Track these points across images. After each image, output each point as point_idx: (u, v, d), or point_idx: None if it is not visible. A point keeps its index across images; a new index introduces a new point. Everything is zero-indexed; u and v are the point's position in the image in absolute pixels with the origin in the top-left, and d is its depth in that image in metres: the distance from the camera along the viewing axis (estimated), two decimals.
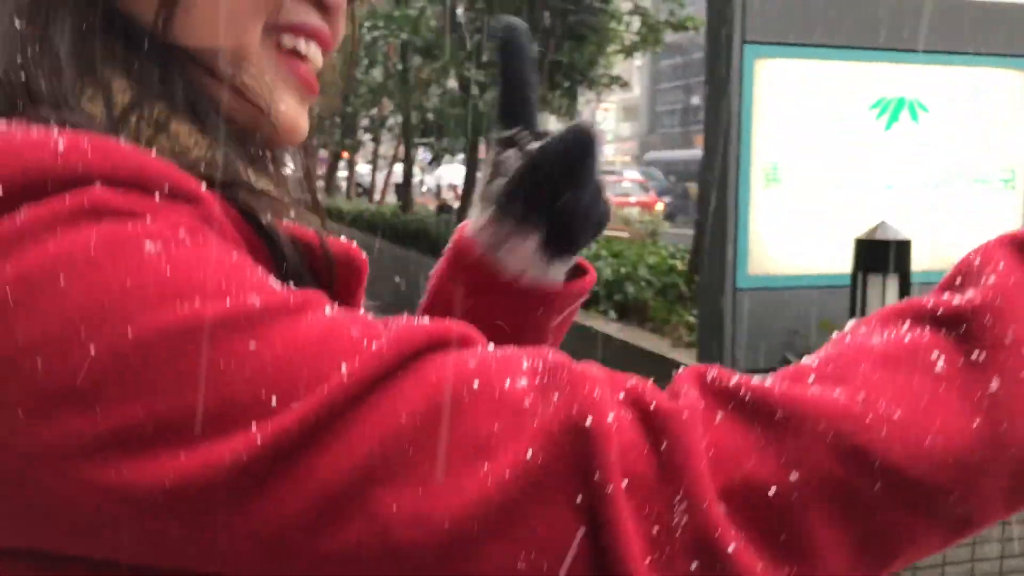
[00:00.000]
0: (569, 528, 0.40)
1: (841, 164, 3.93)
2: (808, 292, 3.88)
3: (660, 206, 21.46)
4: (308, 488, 0.39)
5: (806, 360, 0.48)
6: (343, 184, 23.34)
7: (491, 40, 0.50)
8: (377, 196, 20.60)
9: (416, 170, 15.82)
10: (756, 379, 0.45)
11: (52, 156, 0.43)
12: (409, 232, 10.33)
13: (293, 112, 0.57)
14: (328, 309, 0.44)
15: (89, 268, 0.40)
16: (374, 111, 15.77)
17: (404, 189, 14.89)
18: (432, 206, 16.35)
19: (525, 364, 0.44)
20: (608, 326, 5.03)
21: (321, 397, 0.40)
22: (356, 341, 0.42)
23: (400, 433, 0.40)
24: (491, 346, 0.46)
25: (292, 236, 0.51)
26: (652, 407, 0.43)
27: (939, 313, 0.47)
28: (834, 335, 0.50)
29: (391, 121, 15.13)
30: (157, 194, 0.44)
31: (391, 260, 10.36)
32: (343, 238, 0.56)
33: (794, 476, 0.41)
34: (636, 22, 8.47)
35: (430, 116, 11.06)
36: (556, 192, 0.65)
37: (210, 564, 0.41)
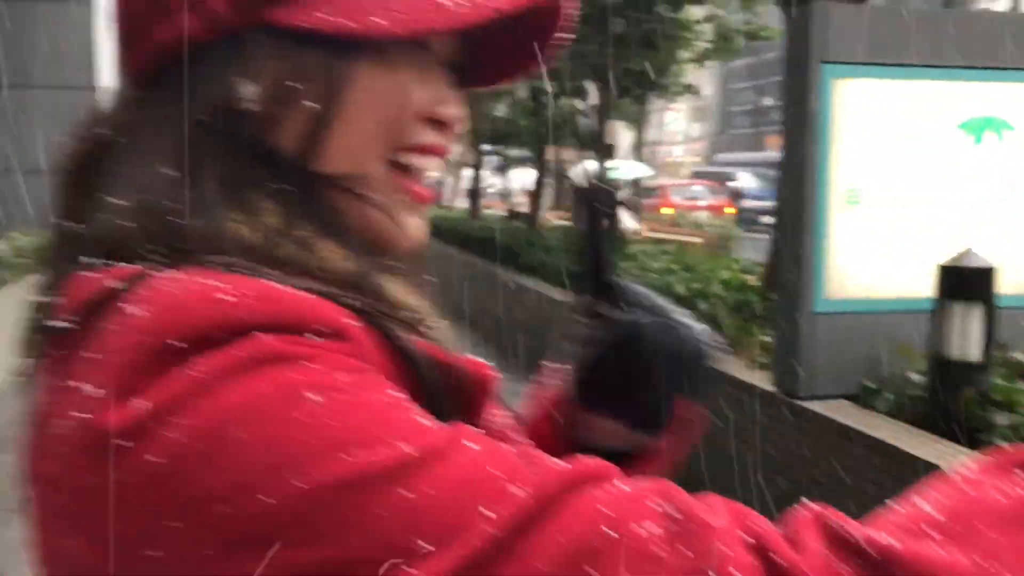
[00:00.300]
0: None
1: (923, 186, 3.84)
2: (887, 317, 3.80)
3: (731, 210, 21.17)
4: None
5: (917, 503, 0.49)
6: None
7: (579, 202, 0.52)
8: (447, 201, 20.74)
9: (485, 174, 15.89)
10: (875, 531, 0.47)
11: (215, 308, 0.46)
12: (476, 239, 10.38)
13: (409, 225, 0.61)
14: (472, 444, 0.47)
15: (259, 422, 0.44)
16: None
17: (473, 195, 14.97)
18: (500, 210, 16.41)
19: (656, 507, 0.46)
20: None
21: (468, 546, 0.43)
22: (500, 486, 0.45)
23: None
24: (622, 484, 0.48)
25: (427, 353, 0.54)
26: (777, 559, 0.44)
27: None
28: (940, 476, 0.51)
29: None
30: (317, 336, 0.47)
31: (460, 267, 10.43)
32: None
33: None
34: (709, 30, 8.38)
35: (501, 123, 11.11)
36: (631, 382, 0.69)
37: None
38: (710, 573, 0.43)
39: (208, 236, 0.51)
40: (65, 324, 0.50)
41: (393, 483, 0.43)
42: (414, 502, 0.43)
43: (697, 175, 29.25)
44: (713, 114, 55.15)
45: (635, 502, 0.46)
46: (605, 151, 8.64)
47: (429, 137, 0.61)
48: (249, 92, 0.54)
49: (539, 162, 11.32)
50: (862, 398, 3.74)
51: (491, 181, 19.90)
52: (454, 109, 0.62)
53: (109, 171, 0.56)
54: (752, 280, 5.67)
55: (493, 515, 0.43)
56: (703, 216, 20.00)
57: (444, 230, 12.40)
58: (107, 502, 0.45)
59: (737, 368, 4.39)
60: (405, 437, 0.45)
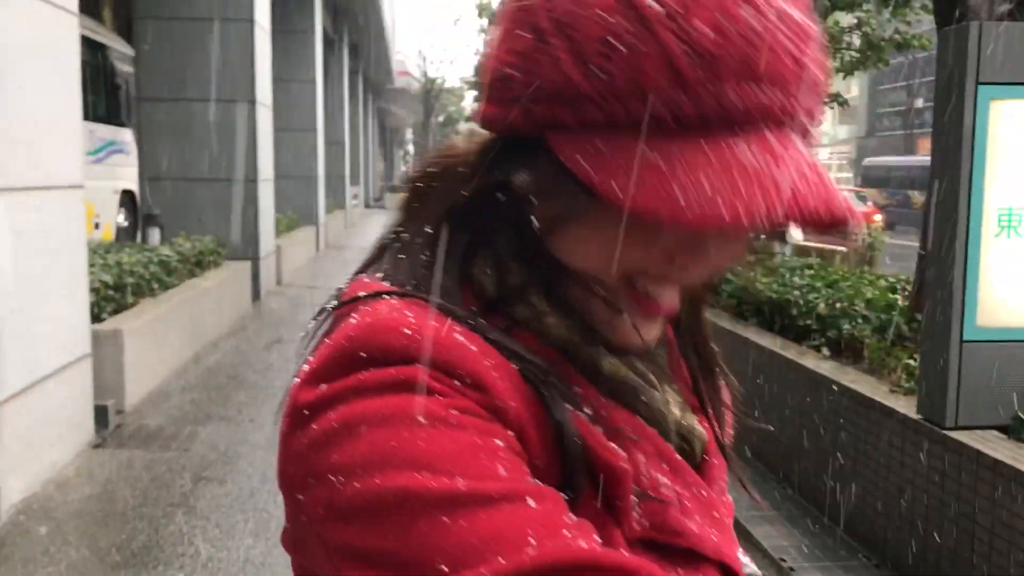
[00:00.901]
0: None
1: None
2: None
3: (879, 218, 20.38)
4: None
5: None
6: None
7: None
8: None
9: None
10: None
11: (399, 337, 0.59)
12: None
13: (627, 327, 0.66)
14: (532, 503, 0.54)
15: (377, 426, 0.56)
16: None
17: None
18: None
19: None
20: (821, 365, 4.90)
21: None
22: (524, 542, 0.52)
23: None
24: None
25: (576, 430, 0.61)
26: None
27: None
28: None
29: None
30: (458, 381, 0.57)
31: None
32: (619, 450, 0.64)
33: None
34: (857, 39, 8.13)
35: None
36: None
37: None
38: None
39: (447, 283, 0.64)
40: (325, 313, 0.67)
41: (437, 508, 0.53)
42: (446, 528, 0.52)
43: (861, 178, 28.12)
44: (861, 116, 53.13)
45: None
46: None
47: (670, 272, 0.64)
48: (523, 180, 0.64)
49: None
50: (1014, 430, 3.61)
51: None
52: (710, 259, 0.64)
53: (409, 208, 0.70)
54: (900, 300, 5.50)
55: (504, 563, 0.51)
56: None
57: None
58: (290, 457, 0.60)
59: (879, 392, 4.30)
60: (468, 475, 0.54)
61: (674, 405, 0.71)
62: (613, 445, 0.63)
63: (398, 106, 47.49)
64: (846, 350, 5.08)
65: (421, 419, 0.55)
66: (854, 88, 44.74)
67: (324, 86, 18.60)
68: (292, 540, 0.64)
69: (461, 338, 0.59)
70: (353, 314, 0.62)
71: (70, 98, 5.29)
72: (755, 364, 5.44)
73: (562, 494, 0.58)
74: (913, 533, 3.85)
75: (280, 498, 0.64)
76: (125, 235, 11.39)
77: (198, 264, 8.97)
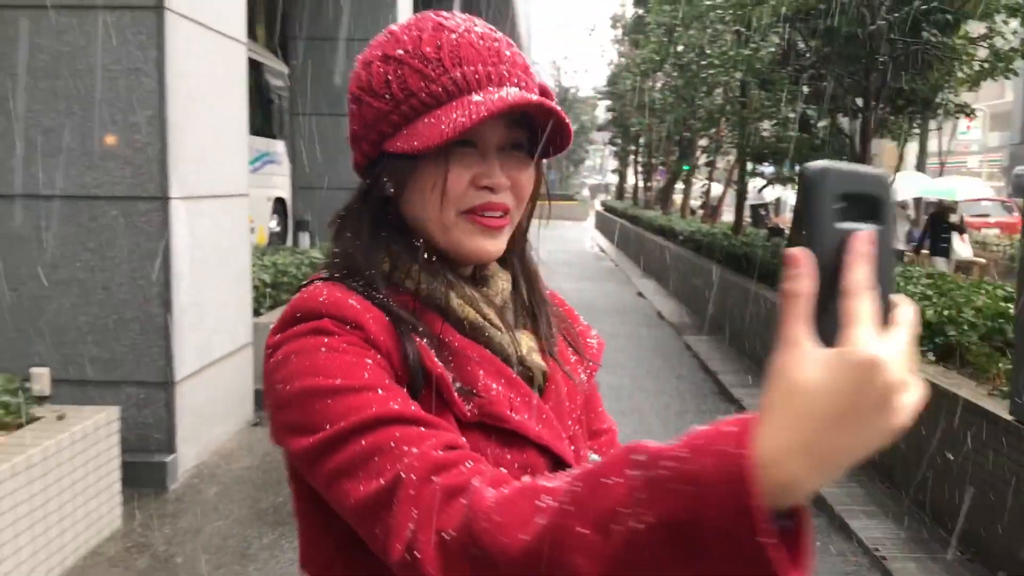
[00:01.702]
0: None
1: None
2: None
3: None
4: (329, 464, 0.87)
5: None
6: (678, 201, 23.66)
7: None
8: (709, 216, 20.76)
9: (750, 190, 15.87)
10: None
11: (316, 303, 0.96)
12: (737, 256, 10.57)
13: (475, 245, 1.03)
14: (380, 391, 0.89)
15: (299, 356, 0.92)
16: (712, 131, 16.09)
17: (738, 212, 15.04)
18: (781, 225, 16.33)
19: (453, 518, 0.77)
20: (924, 368, 5.08)
21: (322, 436, 0.87)
22: (367, 406, 0.87)
23: (353, 471, 0.85)
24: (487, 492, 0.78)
25: (418, 354, 0.96)
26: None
27: None
28: None
29: (727, 144, 15.36)
30: (348, 325, 0.94)
31: (719, 281, 10.67)
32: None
33: None
34: (985, 50, 8.10)
35: (766, 141, 11.21)
36: None
37: (318, 489, 0.90)
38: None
39: (364, 269, 1.02)
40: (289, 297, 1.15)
41: (326, 395, 0.88)
42: (330, 405, 0.88)
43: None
44: (1016, 122, 50.56)
45: (439, 501, 0.79)
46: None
47: (482, 196, 1.01)
48: (386, 186, 1.03)
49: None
50: None
51: (761, 197, 19.76)
52: (494, 178, 1.01)
53: (344, 224, 1.08)
54: (1012, 309, 5.59)
55: (355, 419, 0.86)
56: (991, 235, 18.63)
57: (705, 245, 12.68)
58: (268, 387, 0.95)
59: (976, 394, 4.48)
60: (343, 377, 0.89)
61: (522, 345, 1.08)
62: (437, 360, 0.97)
63: None
64: (952, 356, 5.24)
65: (323, 349, 0.92)
66: (1008, 93, 42.68)
67: None
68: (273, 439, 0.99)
69: (352, 301, 0.96)
70: (300, 292, 1.00)
71: (239, 117, 6.00)
72: None
73: (410, 393, 0.93)
74: (1006, 528, 4.03)
75: None
76: (276, 239, 12.30)
77: None
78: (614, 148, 34.90)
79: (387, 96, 1.00)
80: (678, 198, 24.67)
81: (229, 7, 5.78)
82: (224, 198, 5.68)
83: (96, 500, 4.15)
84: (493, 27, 1.06)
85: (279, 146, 12.78)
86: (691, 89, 14.25)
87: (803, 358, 0.63)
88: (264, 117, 12.52)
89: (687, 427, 0.67)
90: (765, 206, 23.18)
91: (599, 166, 78.52)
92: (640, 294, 15.19)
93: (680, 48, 14.85)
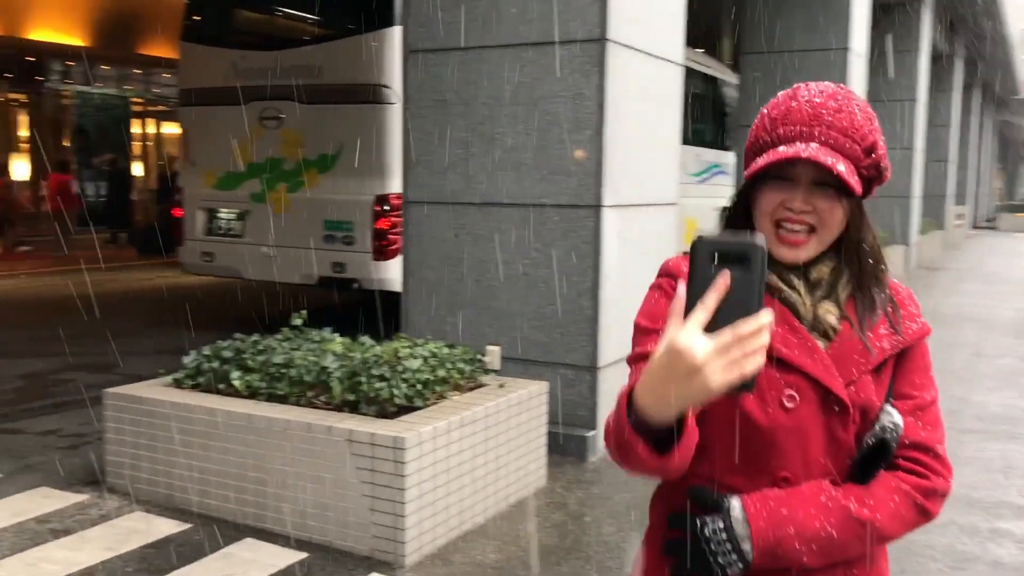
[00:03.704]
0: None
1: None
2: None
3: None
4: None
5: None
6: None
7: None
8: None
9: None
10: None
11: (664, 266, 1.50)
12: None
13: (780, 253, 1.40)
14: (656, 335, 1.36)
15: (646, 299, 1.48)
16: None
17: None
18: None
19: None
20: None
21: (632, 353, 1.41)
22: (639, 343, 1.43)
23: None
24: None
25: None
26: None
27: None
28: None
29: None
30: (672, 279, 1.44)
31: None
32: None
33: None
34: None
35: None
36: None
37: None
38: None
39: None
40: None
41: (634, 330, 1.44)
42: (633, 337, 1.43)
43: None
44: None
45: None
46: None
47: (786, 215, 1.38)
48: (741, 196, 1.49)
49: None
50: None
51: None
52: (796, 204, 1.36)
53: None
54: None
55: (631, 352, 1.42)
56: None
57: None
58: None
59: None
60: (646, 318, 1.42)
61: (820, 308, 1.41)
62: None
63: None
64: None
65: (650, 293, 1.46)
66: None
67: (927, 103, 18.23)
68: None
69: (680, 263, 1.45)
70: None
71: (671, 132, 6.55)
72: None
73: None
74: None
75: None
76: None
77: None
78: None
79: (751, 139, 1.44)
80: None
81: (666, 32, 6.36)
82: (652, 207, 6.26)
83: (525, 459, 4.94)
84: (840, 96, 1.40)
85: (729, 157, 13.28)
86: None
87: (659, 343, 1.10)
88: (716, 129, 13.09)
89: None
90: None
91: None
92: None
93: None
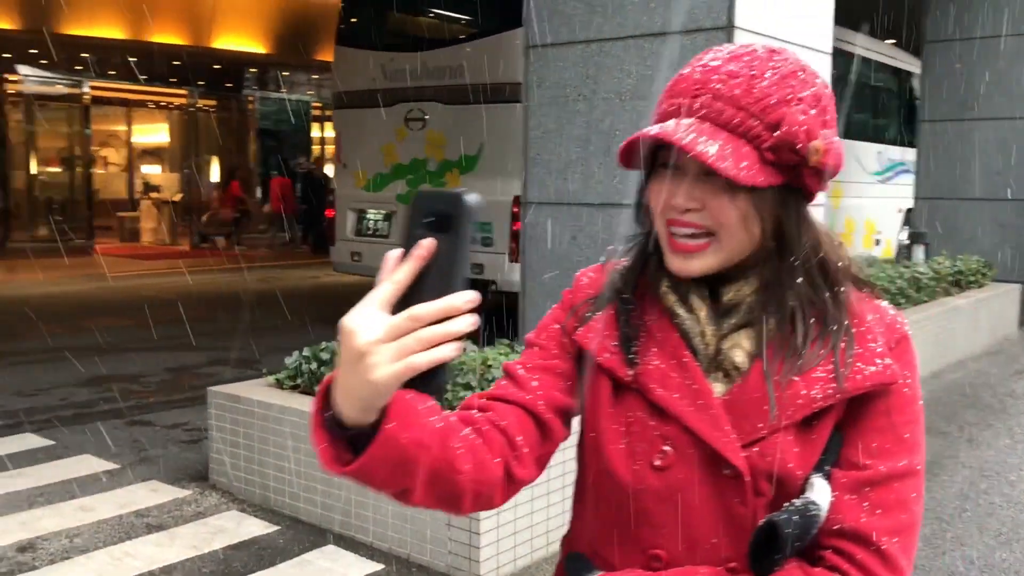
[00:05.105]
0: None
1: None
2: None
3: None
4: None
5: None
6: None
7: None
8: None
9: None
10: None
11: (578, 275, 1.22)
12: None
13: (671, 262, 1.09)
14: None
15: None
16: None
17: None
18: None
19: None
20: None
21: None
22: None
23: None
24: None
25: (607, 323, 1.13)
26: None
27: None
28: None
29: None
30: (573, 292, 1.20)
31: None
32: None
33: None
34: None
35: None
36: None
37: None
38: None
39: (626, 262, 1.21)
40: None
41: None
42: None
43: None
44: None
45: None
46: None
47: (673, 214, 1.06)
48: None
49: None
50: None
51: None
52: (679, 199, 1.04)
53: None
54: None
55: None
56: None
57: None
58: None
59: None
60: (535, 331, 1.21)
61: (728, 341, 1.06)
62: (623, 328, 1.13)
63: None
64: None
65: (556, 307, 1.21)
66: None
67: None
68: None
69: (591, 275, 1.20)
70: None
71: None
72: None
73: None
74: None
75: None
76: (906, 253, 11.76)
77: (956, 283, 8.99)
78: None
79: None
80: None
81: (805, 19, 5.83)
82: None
83: None
84: (749, 57, 1.04)
85: (914, 154, 12.26)
86: None
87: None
88: (902, 125, 12.10)
89: None
90: None
91: None
92: None
93: None
